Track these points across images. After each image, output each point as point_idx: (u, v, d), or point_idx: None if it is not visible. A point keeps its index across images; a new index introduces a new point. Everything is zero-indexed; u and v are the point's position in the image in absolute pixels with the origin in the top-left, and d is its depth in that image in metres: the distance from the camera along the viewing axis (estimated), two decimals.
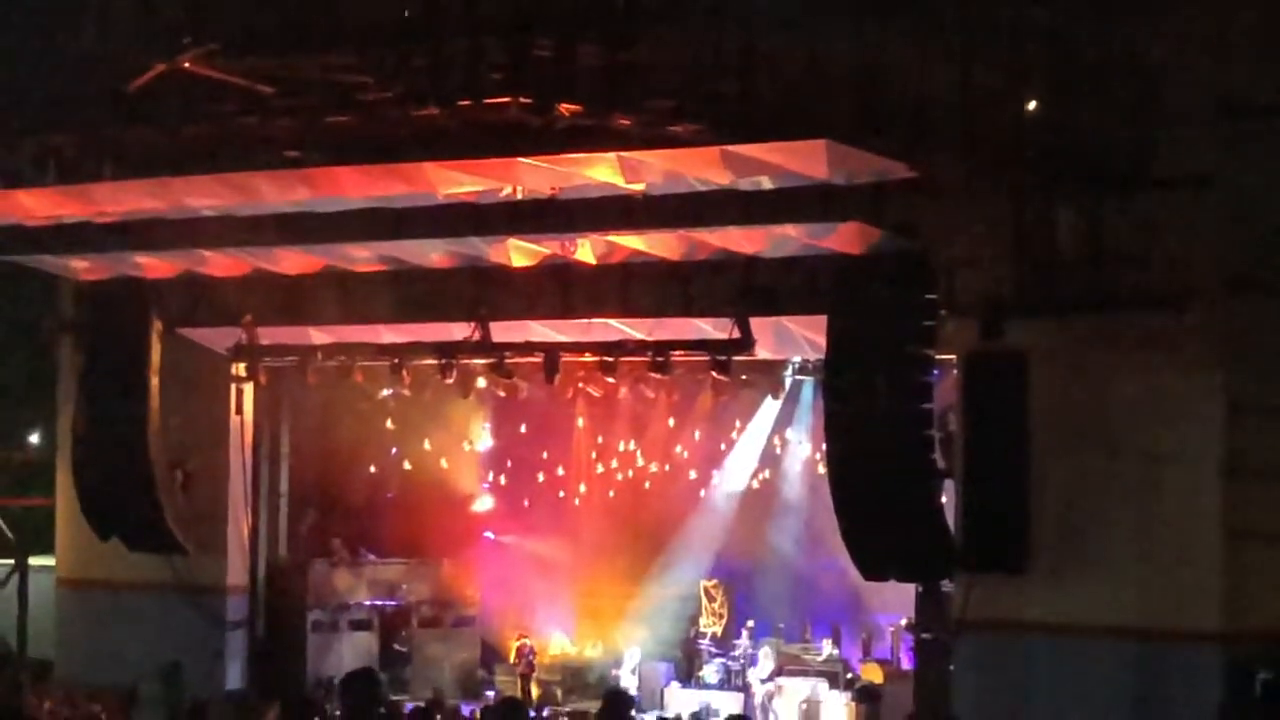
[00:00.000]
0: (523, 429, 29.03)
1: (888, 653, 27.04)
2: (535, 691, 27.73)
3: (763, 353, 22.81)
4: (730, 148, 17.55)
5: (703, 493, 29.30)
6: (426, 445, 28.38)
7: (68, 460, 25.70)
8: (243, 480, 26.27)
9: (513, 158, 18.30)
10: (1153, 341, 20.12)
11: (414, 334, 23.74)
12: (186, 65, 17.61)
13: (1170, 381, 20.18)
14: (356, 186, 19.54)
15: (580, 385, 25.48)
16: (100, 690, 23.80)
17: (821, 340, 20.94)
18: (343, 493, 28.45)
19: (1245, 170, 19.83)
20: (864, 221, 19.25)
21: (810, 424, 27.12)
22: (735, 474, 29.10)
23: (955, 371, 21.28)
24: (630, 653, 28.18)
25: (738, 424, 28.67)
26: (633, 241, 20.75)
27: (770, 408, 27.79)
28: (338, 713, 17.14)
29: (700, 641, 28.53)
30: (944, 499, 20.96)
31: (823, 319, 20.70)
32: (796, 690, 26.30)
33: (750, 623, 28.02)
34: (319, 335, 24.41)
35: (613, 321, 22.62)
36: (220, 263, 23.05)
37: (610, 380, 23.60)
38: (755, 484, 29.05)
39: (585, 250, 21.18)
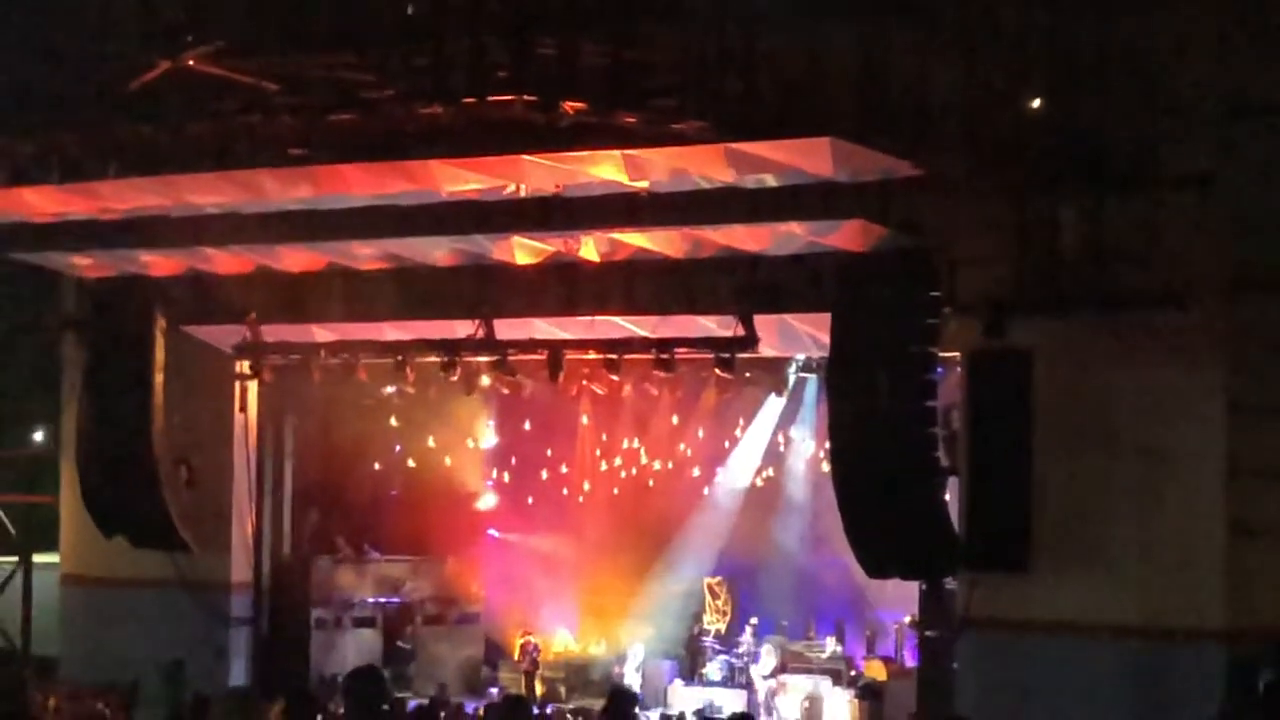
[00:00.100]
0: (526, 426, 29.03)
1: (891, 650, 27.05)
2: (539, 689, 27.75)
3: (766, 350, 22.82)
4: (734, 145, 17.57)
5: (706, 490, 29.31)
6: (430, 443, 28.40)
7: (72, 457, 25.75)
8: (247, 478, 26.33)
9: (517, 155, 18.32)
10: (1155, 339, 20.14)
11: (418, 331, 23.76)
12: (190, 63, 17.63)
13: (1173, 379, 20.20)
14: (360, 184, 19.57)
15: (584, 383, 25.50)
16: (104, 687, 23.81)
17: (825, 338, 20.96)
18: (346, 490, 28.47)
19: (1246, 169, 19.84)
20: (868, 219, 19.27)
21: (814, 422, 27.14)
22: (739, 471, 29.12)
23: (958, 369, 21.30)
24: (634, 650, 28.21)
25: (741, 421, 28.68)
26: (637, 239, 20.77)
27: (774, 405, 27.78)
28: (341, 710, 17.17)
29: (704, 639, 28.54)
30: (947, 497, 20.98)
31: (826, 316, 20.71)
32: (799, 687, 26.33)
33: (754, 620, 28.03)
34: (323, 333, 24.44)
35: (617, 319, 22.63)
36: (224, 260, 23.08)
37: (614, 378, 23.61)
38: (759, 481, 29.06)
39: (589, 248, 21.19)
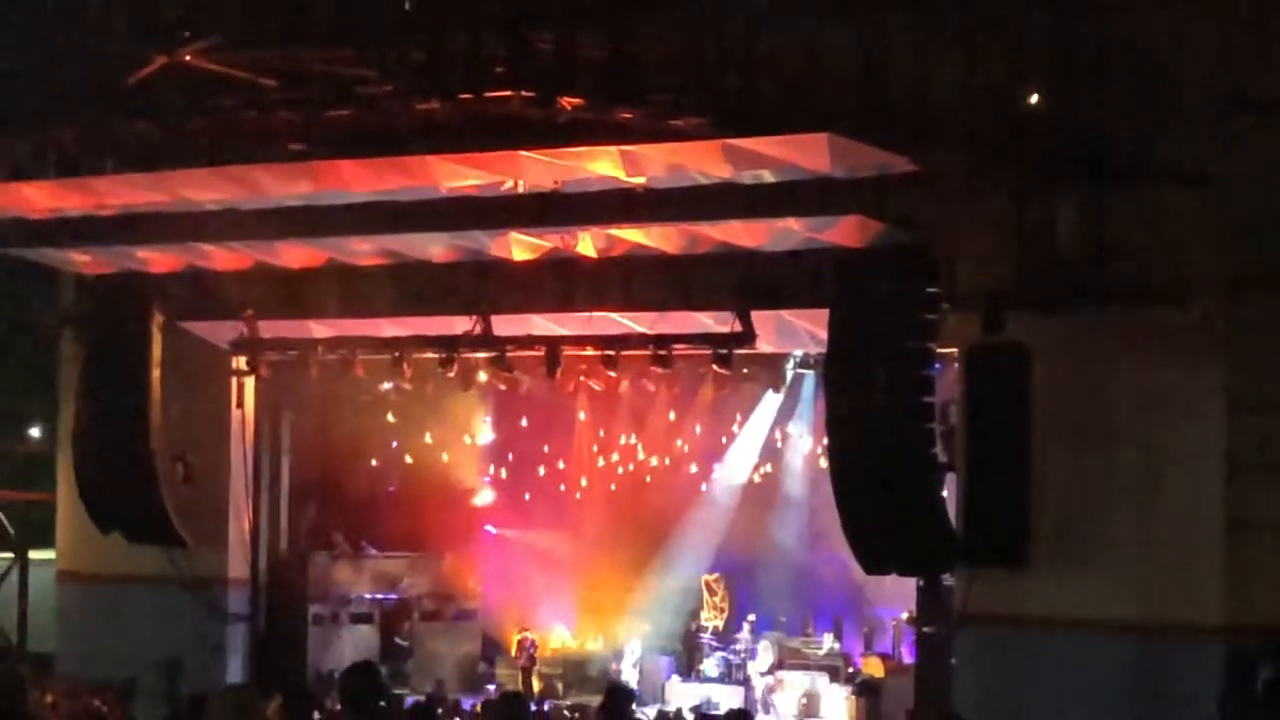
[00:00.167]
0: (524, 422, 28.98)
1: (889, 647, 27.00)
2: (536, 685, 27.71)
3: (764, 346, 22.81)
4: (732, 141, 17.57)
5: (704, 486, 29.26)
6: (428, 439, 28.34)
7: (68, 454, 25.71)
8: (244, 474, 26.28)
9: (514, 151, 18.33)
10: (1153, 336, 20.13)
11: (415, 327, 23.73)
12: (188, 59, 17.61)
13: (1171, 376, 20.17)
14: (358, 180, 19.56)
15: (581, 379, 25.47)
16: (101, 684, 23.78)
17: (823, 334, 20.93)
18: (344, 486, 28.41)
19: (1246, 167, 19.82)
20: (865, 215, 19.26)
21: (811, 418, 27.07)
22: (736, 468, 29.07)
23: (956, 365, 21.26)
24: (631, 646, 28.18)
25: (739, 417, 28.63)
26: (634, 235, 20.77)
27: (771, 401, 27.74)
28: (338, 706, 17.13)
29: (701, 635, 28.50)
30: (945, 493, 20.96)
31: (824, 312, 20.68)
32: (797, 684, 26.30)
33: (751, 616, 28.00)
34: (320, 329, 24.40)
35: (614, 315, 22.61)
36: (222, 256, 23.06)
37: (611, 374, 23.59)
38: (756, 478, 29.01)
39: (586, 244, 21.18)
